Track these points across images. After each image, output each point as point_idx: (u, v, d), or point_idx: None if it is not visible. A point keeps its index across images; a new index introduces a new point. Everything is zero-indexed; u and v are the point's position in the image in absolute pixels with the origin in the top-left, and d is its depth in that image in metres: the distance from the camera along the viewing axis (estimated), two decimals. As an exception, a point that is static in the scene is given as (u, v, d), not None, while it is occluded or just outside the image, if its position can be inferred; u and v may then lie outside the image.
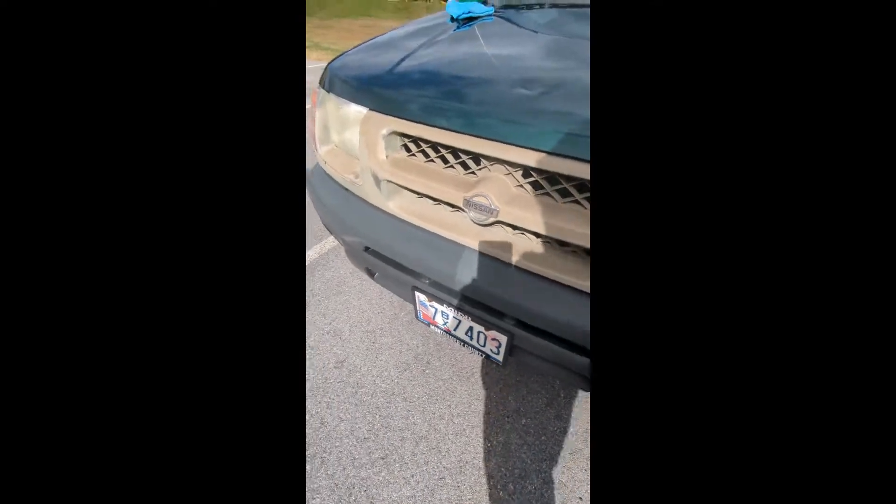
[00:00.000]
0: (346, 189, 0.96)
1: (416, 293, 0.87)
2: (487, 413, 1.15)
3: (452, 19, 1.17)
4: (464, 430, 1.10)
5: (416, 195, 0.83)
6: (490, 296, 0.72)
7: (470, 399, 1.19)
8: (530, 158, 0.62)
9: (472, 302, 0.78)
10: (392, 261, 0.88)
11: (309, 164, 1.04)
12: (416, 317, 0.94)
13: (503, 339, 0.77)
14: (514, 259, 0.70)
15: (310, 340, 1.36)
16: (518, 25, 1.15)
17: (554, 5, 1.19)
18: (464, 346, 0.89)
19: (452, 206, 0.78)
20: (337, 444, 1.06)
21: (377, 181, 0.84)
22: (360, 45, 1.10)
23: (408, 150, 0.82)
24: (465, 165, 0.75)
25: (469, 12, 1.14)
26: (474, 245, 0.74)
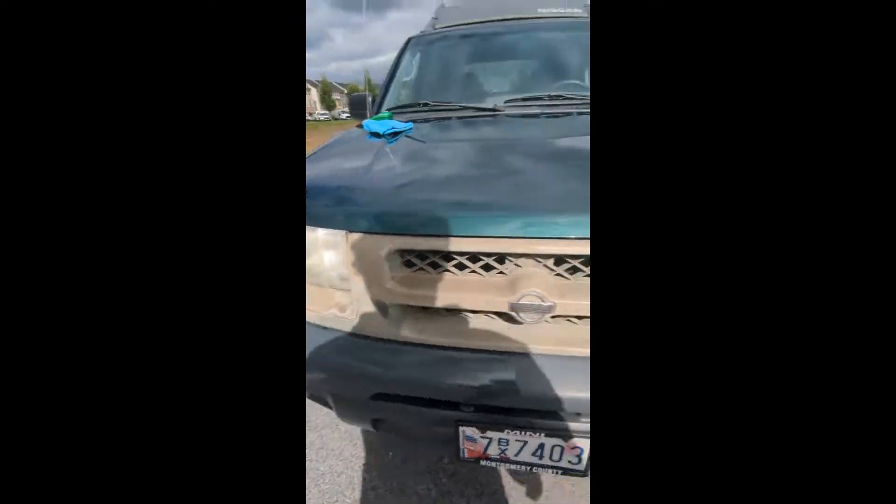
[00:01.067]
0: (326, 329, 0.77)
1: (461, 428, 0.70)
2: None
3: (376, 135, 1.20)
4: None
5: (427, 313, 0.72)
6: (565, 399, 0.63)
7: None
8: (566, 247, 0.62)
9: (542, 414, 0.67)
10: (419, 399, 0.70)
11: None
12: (459, 456, 0.75)
13: (585, 443, 0.67)
14: (581, 350, 0.65)
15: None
16: (442, 132, 1.26)
17: (462, 117, 1.36)
18: (530, 471, 0.74)
19: (492, 313, 0.69)
20: None
21: (382, 309, 0.69)
22: None
23: (409, 265, 0.72)
24: (485, 268, 0.70)
25: (392, 128, 1.20)
26: (529, 349, 0.66)
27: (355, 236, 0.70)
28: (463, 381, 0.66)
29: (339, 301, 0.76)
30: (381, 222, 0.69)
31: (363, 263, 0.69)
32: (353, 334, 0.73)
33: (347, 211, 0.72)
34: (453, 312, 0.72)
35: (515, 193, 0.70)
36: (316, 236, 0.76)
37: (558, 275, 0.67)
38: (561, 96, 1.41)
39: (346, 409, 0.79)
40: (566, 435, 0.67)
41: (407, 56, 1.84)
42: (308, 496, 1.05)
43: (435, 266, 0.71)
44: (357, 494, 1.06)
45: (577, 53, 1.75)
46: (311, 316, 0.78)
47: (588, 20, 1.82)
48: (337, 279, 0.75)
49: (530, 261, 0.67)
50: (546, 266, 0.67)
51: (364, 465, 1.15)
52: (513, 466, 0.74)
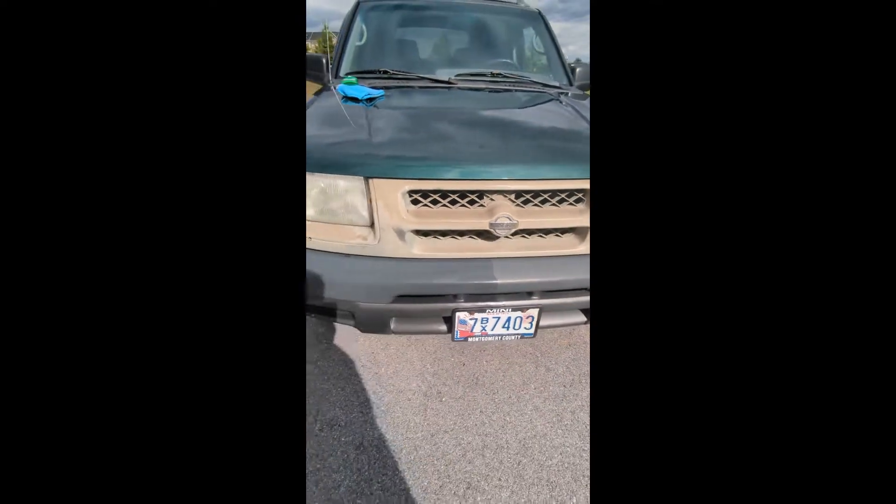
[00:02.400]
0: (349, 255, 1.00)
1: (457, 314, 1.03)
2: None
3: (353, 100, 1.36)
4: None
5: (437, 236, 1.01)
6: (524, 284, 1.00)
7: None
8: (526, 185, 0.96)
9: (509, 296, 1.03)
10: (428, 296, 1.01)
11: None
12: (453, 338, 1.09)
13: (535, 312, 1.06)
14: (534, 252, 1.01)
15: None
16: (411, 99, 1.47)
17: (422, 86, 1.58)
18: (499, 339, 1.11)
19: (477, 232, 1.01)
20: None
21: (401, 234, 0.96)
22: None
23: (415, 203, 0.99)
24: (471, 202, 1.00)
25: (369, 94, 1.37)
26: (501, 254, 1.00)
27: (377, 181, 0.93)
28: (459, 280, 0.98)
29: (360, 234, 0.99)
30: (397, 170, 0.93)
31: (386, 201, 0.93)
32: (377, 257, 0.99)
33: (367, 163, 0.95)
34: (450, 234, 1.02)
35: (493, 149, 1.01)
36: (337, 183, 0.97)
37: (517, 205, 1.01)
38: (501, 74, 1.72)
39: (370, 315, 1.05)
40: (524, 308, 1.05)
41: (357, 20, 1.92)
42: (313, 402, 1.29)
43: (434, 203, 0.99)
44: (363, 397, 1.34)
45: (507, 36, 2.06)
46: (334, 246, 0.99)
47: (518, 8, 2.13)
48: (357, 216, 0.98)
49: (500, 195, 1.00)
50: (509, 199, 1.01)
51: (363, 378, 1.42)
52: (489, 339, 1.10)
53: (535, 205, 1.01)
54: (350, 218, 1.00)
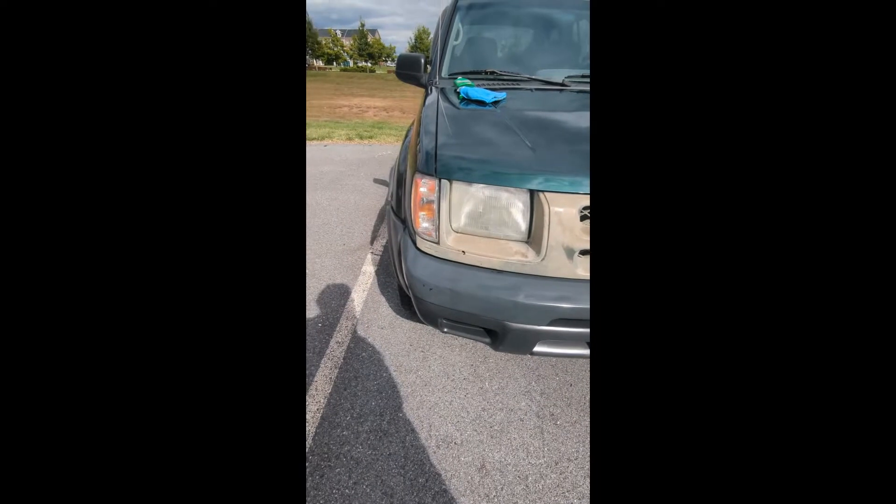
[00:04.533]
0: (505, 273, 0.93)
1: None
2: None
3: (480, 103, 1.30)
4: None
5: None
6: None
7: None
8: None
9: None
10: (586, 321, 0.93)
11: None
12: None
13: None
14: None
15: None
16: (534, 103, 1.39)
17: (538, 89, 1.50)
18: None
19: None
20: None
21: (570, 253, 0.89)
22: (428, 130, 1.07)
23: (583, 220, 0.91)
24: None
25: (495, 98, 1.31)
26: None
27: (552, 195, 0.86)
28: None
29: (518, 250, 0.93)
30: (576, 184, 0.86)
31: (560, 217, 0.86)
32: (540, 276, 0.92)
33: (541, 175, 0.88)
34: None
35: None
36: (500, 195, 0.90)
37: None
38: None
39: (518, 335, 0.99)
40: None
41: (456, 19, 1.86)
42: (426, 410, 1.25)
43: (602, 220, 0.91)
44: (471, 415, 1.28)
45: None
46: (489, 262, 0.93)
47: None
48: (516, 231, 0.91)
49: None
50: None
51: (470, 392, 1.37)
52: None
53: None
54: (507, 233, 0.93)
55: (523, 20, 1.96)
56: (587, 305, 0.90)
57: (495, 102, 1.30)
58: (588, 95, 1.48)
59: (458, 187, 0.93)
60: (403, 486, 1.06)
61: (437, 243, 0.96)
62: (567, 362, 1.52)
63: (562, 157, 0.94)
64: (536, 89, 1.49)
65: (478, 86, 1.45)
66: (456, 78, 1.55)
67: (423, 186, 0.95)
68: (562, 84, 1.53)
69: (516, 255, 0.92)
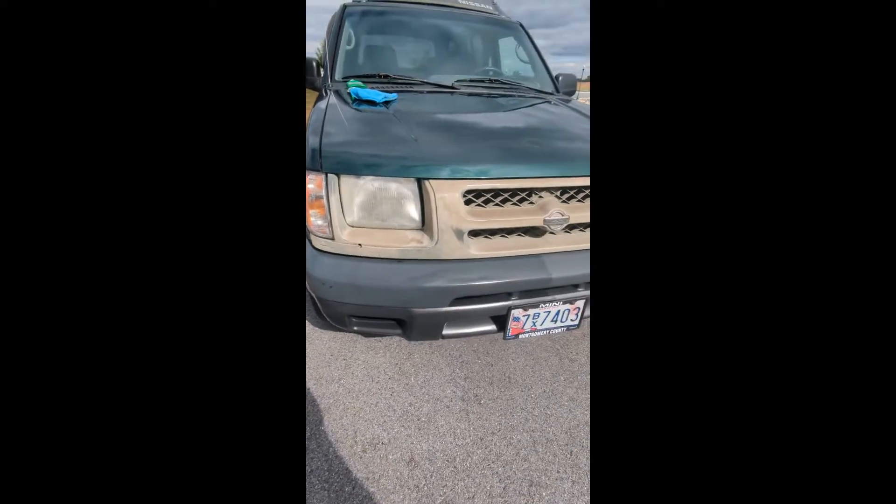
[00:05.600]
0: (402, 260, 0.96)
1: (512, 312, 1.04)
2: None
3: (370, 103, 1.32)
4: (539, 415, 1.30)
5: (488, 236, 1.01)
6: (575, 276, 1.04)
7: (520, 395, 1.39)
8: (571, 182, 1.01)
9: (559, 290, 1.06)
10: (485, 297, 1.00)
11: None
12: (505, 337, 1.09)
13: (581, 303, 1.10)
14: (578, 245, 1.05)
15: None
16: (424, 105, 1.46)
17: (430, 91, 1.58)
18: (548, 333, 1.14)
19: (525, 229, 1.03)
20: None
21: (459, 235, 0.94)
22: (314, 129, 1.06)
23: (468, 203, 0.98)
24: (520, 200, 1.02)
25: (385, 98, 1.34)
26: (553, 249, 1.03)
27: (436, 182, 0.91)
28: (518, 277, 0.99)
29: (414, 237, 0.96)
30: (457, 171, 0.92)
31: (446, 202, 0.92)
32: (435, 260, 0.96)
33: (425, 164, 0.92)
34: (498, 233, 1.02)
35: (540, 147, 1.04)
36: (389, 187, 0.93)
37: (563, 201, 1.05)
38: (498, 80, 1.78)
39: (425, 320, 1.01)
40: (573, 300, 1.09)
41: (346, 25, 1.86)
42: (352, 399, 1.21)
43: (486, 202, 0.99)
44: (397, 413, 1.28)
45: (492, 44, 2.14)
46: (386, 252, 0.95)
47: (499, 18, 2.22)
48: (408, 219, 0.95)
49: (547, 193, 1.04)
50: (555, 196, 1.05)
51: (396, 390, 1.36)
52: (538, 334, 1.12)
53: (578, 200, 1.06)
54: (401, 222, 0.96)
55: (412, 27, 2.05)
56: (481, 282, 0.96)
57: (386, 103, 1.34)
58: (476, 98, 1.60)
59: (347, 181, 0.93)
60: (329, 500, 1.00)
61: (333, 239, 0.95)
62: (487, 345, 1.60)
63: (444, 146, 1.01)
64: (428, 92, 1.57)
65: (371, 88, 1.47)
66: (348, 81, 1.55)
67: (311, 183, 0.93)
68: (452, 87, 1.63)
69: (412, 243, 0.96)
